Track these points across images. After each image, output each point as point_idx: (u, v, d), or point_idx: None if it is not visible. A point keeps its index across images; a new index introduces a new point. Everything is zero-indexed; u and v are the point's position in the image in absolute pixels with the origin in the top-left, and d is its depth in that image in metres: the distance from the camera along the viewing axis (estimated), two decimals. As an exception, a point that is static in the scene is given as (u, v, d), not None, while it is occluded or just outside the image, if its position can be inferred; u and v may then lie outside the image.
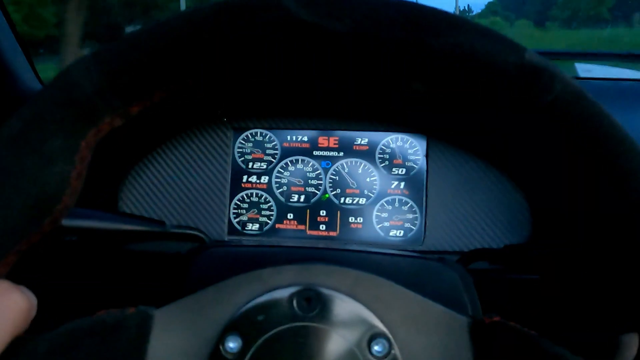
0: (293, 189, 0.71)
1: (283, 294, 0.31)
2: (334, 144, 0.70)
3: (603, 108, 0.25)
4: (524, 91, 0.24)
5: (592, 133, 0.24)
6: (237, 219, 0.71)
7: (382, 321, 0.30)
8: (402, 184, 0.69)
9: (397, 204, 0.69)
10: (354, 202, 0.70)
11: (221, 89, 0.62)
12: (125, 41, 0.26)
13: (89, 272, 0.66)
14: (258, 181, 0.71)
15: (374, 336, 0.30)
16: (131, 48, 0.25)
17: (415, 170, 0.69)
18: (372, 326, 0.30)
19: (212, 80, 0.27)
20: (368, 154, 0.70)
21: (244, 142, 0.71)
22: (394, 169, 0.69)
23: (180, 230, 0.57)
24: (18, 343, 0.27)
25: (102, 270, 0.66)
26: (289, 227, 0.70)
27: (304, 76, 0.62)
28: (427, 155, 0.69)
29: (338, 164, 0.70)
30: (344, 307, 0.30)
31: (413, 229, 0.68)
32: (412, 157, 0.69)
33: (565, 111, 0.24)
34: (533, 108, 0.24)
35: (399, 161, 0.69)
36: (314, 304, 0.30)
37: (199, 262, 0.44)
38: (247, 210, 0.71)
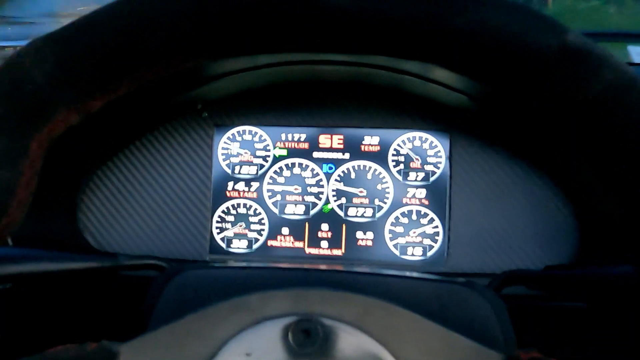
0: (289, 198, 0.70)
1: (276, 325, 0.30)
2: (338, 144, 0.70)
3: None
4: (567, 80, 0.24)
5: None
6: (221, 235, 0.70)
7: (395, 357, 0.30)
8: (421, 192, 0.69)
9: (414, 217, 0.68)
10: (363, 214, 0.69)
11: (201, 75, 0.61)
12: (86, 19, 0.25)
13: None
14: (246, 189, 0.71)
15: None
16: (93, 27, 0.25)
17: (436, 176, 0.69)
18: None
19: (194, 61, 0.27)
20: (379, 156, 0.70)
21: (228, 142, 0.71)
22: (410, 174, 0.69)
23: (135, 262, 0.57)
24: None
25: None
26: (283, 244, 0.70)
27: (300, 61, 0.63)
28: (450, 158, 0.68)
29: (343, 168, 0.70)
30: (350, 340, 0.30)
31: (434, 247, 0.68)
32: (432, 160, 0.69)
33: (616, 103, 0.24)
34: (578, 99, 0.24)
35: (417, 165, 0.69)
36: (314, 338, 0.30)
37: (174, 287, 0.44)
38: (233, 224, 0.70)
